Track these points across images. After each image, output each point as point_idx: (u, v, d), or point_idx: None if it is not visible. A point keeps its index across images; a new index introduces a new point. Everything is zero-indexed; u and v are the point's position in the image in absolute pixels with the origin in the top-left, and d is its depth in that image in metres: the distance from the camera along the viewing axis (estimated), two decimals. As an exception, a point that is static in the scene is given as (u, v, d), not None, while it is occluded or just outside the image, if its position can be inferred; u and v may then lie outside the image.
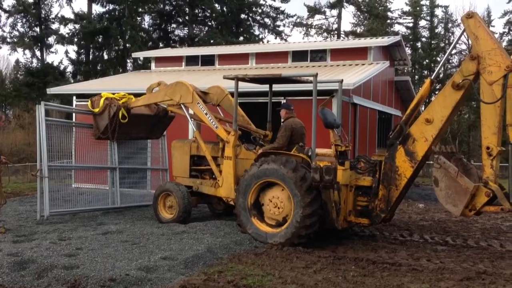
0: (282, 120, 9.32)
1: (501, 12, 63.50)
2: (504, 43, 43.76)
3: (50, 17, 36.73)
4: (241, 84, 9.39)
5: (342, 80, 9.57)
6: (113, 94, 10.86)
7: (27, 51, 36.28)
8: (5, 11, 35.64)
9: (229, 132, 9.36)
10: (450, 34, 48.79)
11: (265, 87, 10.58)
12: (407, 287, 6.09)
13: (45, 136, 10.07)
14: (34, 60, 36.93)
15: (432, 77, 8.23)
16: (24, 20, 35.96)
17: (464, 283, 6.28)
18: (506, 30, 46.02)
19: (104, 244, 7.76)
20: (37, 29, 36.18)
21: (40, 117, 10.12)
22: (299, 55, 18.67)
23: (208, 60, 20.32)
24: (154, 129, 11.71)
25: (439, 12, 48.99)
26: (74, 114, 17.12)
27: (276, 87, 10.73)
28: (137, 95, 11.57)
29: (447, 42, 48.38)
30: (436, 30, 49.07)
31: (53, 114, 28.50)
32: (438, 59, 46.58)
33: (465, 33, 7.82)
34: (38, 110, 10.21)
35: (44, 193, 9.91)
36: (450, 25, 48.64)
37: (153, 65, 21.62)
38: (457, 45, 38.10)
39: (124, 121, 10.55)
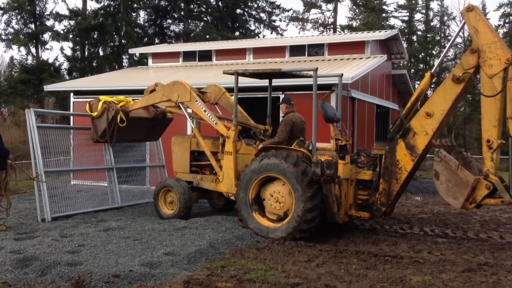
0: (282, 114, 9.33)
1: (496, 5, 63.67)
2: (500, 36, 43.82)
3: (45, 13, 36.66)
4: (239, 79, 9.39)
5: (342, 74, 9.58)
6: (111, 97, 10.81)
7: (22, 48, 36.19)
8: (-1, 8, 35.51)
9: (229, 127, 9.36)
10: (446, 27, 48.95)
11: (263, 82, 10.58)
12: (409, 279, 6.12)
13: (38, 142, 9.94)
14: (29, 57, 36.84)
15: (432, 71, 8.24)
16: (19, 17, 35.84)
17: (466, 275, 6.33)
18: (502, 22, 46.14)
19: (106, 241, 7.76)
20: (32, 26, 36.06)
21: (31, 123, 9.98)
22: (297, 50, 18.68)
23: (205, 56, 20.31)
24: (152, 132, 11.68)
25: (434, 5, 49.57)
26: (72, 111, 17.13)
27: (275, 82, 10.72)
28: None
29: (442, 35, 48.47)
30: (432, 24, 49.15)
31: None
32: (434, 52, 46.67)
33: (464, 26, 7.84)
34: (28, 116, 10.05)
35: (43, 198, 9.86)
36: (445, 18, 48.75)
37: (150, 61, 21.58)
38: (453, 38, 38.18)
39: (123, 125, 10.49)
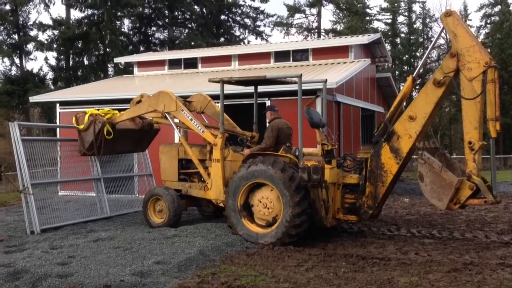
0: (268, 121, 9.43)
1: (477, 6, 64.59)
2: (482, 36, 44.52)
3: (28, 23, 36.39)
4: (225, 86, 9.48)
5: (327, 80, 9.71)
6: (98, 110, 10.84)
7: (5, 59, 35.82)
8: (-18, 19, 35.16)
9: (216, 135, 9.44)
10: (428, 29, 49.53)
11: (248, 89, 10.69)
12: (397, 281, 6.24)
13: (24, 155, 9.92)
14: (13, 68, 36.57)
15: (414, 75, 8.39)
16: (2, 27, 35.50)
17: (452, 275, 6.46)
18: (483, 23, 46.86)
19: (96, 251, 7.78)
20: (16, 36, 35.80)
21: (15, 136, 9.97)
22: (282, 55, 18.84)
23: (191, 63, 20.39)
24: (140, 143, 11.70)
25: (416, 7, 49.74)
26: (58, 121, 17.08)
27: (261, 88, 10.83)
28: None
29: (425, 37, 49.06)
30: (415, 26, 49.74)
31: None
32: (418, 54, 47.20)
33: (444, 30, 8.02)
34: (12, 129, 10.03)
35: (31, 210, 9.83)
36: (428, 20, 49.36)
37: (135, 69, 21.58)
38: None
39: (110, 137, 10.51)
